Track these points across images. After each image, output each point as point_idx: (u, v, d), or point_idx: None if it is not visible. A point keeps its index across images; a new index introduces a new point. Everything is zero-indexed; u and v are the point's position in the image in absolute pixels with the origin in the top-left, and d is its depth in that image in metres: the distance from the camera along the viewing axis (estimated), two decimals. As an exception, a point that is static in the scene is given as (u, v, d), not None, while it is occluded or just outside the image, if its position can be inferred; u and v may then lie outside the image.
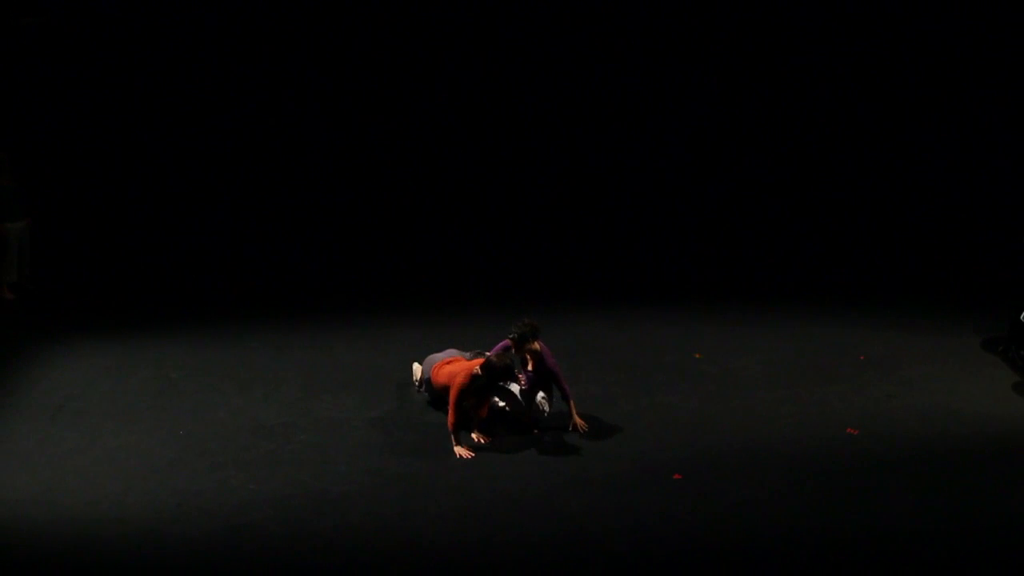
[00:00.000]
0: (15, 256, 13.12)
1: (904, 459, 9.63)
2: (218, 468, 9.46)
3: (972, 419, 10.34)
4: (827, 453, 9.73)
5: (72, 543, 8.44)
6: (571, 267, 14.25)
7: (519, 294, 13.31)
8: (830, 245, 14.83)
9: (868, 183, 15.56)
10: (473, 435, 9.86)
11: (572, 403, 10.04)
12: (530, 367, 9.97)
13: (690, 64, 15.55)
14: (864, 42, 15.37)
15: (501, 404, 10.07)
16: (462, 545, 8.45)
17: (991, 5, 15.15)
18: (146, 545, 8.41)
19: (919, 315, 12.73)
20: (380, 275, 14.07)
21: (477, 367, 9.64)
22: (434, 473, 9.42)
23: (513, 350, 9.89)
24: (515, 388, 9.99)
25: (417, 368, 10.65)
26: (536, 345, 9.89)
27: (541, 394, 9.97)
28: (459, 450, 9.64)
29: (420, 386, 10.52)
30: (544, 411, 9.99)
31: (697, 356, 11.65)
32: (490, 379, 9.64)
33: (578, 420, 10.01)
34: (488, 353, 9.90)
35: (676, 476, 9.34)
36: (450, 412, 9.61)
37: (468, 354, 10.24)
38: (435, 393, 10.17)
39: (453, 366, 9.92)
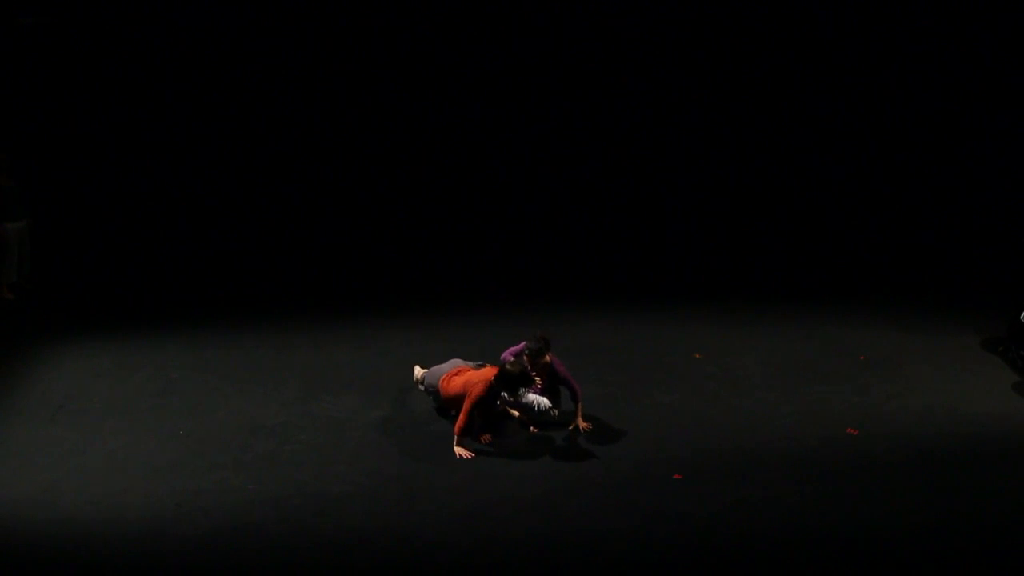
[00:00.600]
0: (15, 256, 13.11)
1: (904, 459, 9.64)
2: (218, 468, 9.46)
3: (972, 419, 10.34)
4: (827, 453, 9.73)
5: (72, 543, 8.44)
6: (571, 267, 14.24)
7: (519, 294, 13.31)
8: (830, 245, 14.82)
9: (868, 183, 15.56)
10: (456, 451, 9.79)
11: (580, 404, 10.05)
12: (539, 383, 10.02)
13: (690, 64, 15.55)
14: (865, 42, 15.37)
15: (515, 414, 10.10)
16: (462, 545, 8.46)
17: (991, 5, 15.15)
18: (146, 545, 8.41)
19: (919, 315, 12.73)
20: (381, 276, 14.07)
21: (493, 377, 9.67)
22: (434, 473, 9.42)
23: (529, 365, 9.92)
24: (525, 395, 10.00)
25: (418, 370, 10.65)
26: (547, 357, 9.93)
27: (547, 402, 9.99)
28: (459, 450, 9.64)
29: (421, 384, 10.52)
30: (553, 416, 10.00)
31: (697, 356, 11.65)
32: (508, 387, 9.69)
33: (581, 422, 10.02)
34: (503, 358, 9.98)
35: (676, 476, 9.35)
36: (462, 417, 9.62)
37: (473, 364, 10.23)
38: (444, 403, 10.14)
39: (466, 376, 9.91)
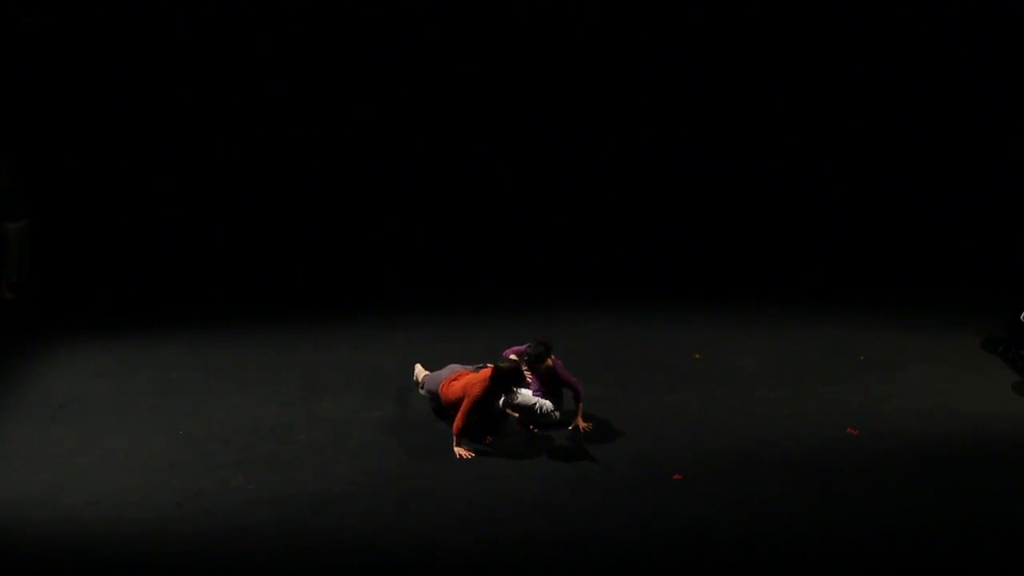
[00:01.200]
0: (15, 256, 13.11)
1: (904, 459, 9.64)
2: (218, 468, 9.47)
3: (972, 419, 10.34)
4: (827, 453, 9.73)
5: (72, 543, 8.45)
6: (571, 267, 14.24)
7: (520, 294, 13.32)
8: (830, 245, 14.82)
9: (868, 183, 15.55)
10: (456, 451, 9.80)
11: (581, 404, 10.05)
12: (531, 380, 10.03)
13: (690, 63, 15.54)
14: (866, 41, 15.36)
15: (515, 415, 10.11)
16: (462, 545, 8.46)
17: (992, 5, 15.14)
18: (146, 545, 8.41)
19: (919, 315, 12.73)
20: (381, 275, 14.07)
21: (489, 376, 9.70)
22: (434, 473, 9.42)
23: (527, 369, 9.96)
24: (527, 397, 10.01)
25: (419, 370, 10.65)
26: (548, 361, 9.93)
27: (549, 404, 9.99)
28: (459, 450, 9.65)
29: (421, 387, 10.52)
30: (554, 418, 10.01)
31: (697, 356, 11.65)
32: (503, 385, 9.70)
33: (582, 422, 10.02)
34: (504, 356, 10.00)
35: (676, 476, 9.35)
36: (459, 417, 9.62)
37: (471, 367, 10.23)
38: (445, 408, 10.12)
39: (465, 379, 9.91)
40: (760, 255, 14.60)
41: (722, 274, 14.07)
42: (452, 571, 8.22)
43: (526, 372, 9.95)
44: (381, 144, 15.63)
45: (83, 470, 9.42)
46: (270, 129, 15.47)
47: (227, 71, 15.19)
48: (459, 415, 9.63)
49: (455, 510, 8.88)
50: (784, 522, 8.73)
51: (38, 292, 13.33)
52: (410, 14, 15.31)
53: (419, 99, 15.57)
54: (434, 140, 15.66)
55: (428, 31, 15.36)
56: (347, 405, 10.60)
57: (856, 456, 9.67)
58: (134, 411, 10.47)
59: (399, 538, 8.53)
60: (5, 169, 13.06)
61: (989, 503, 8.96)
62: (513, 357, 9.90)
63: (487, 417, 9.97)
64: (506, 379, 9.67)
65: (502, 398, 9.99)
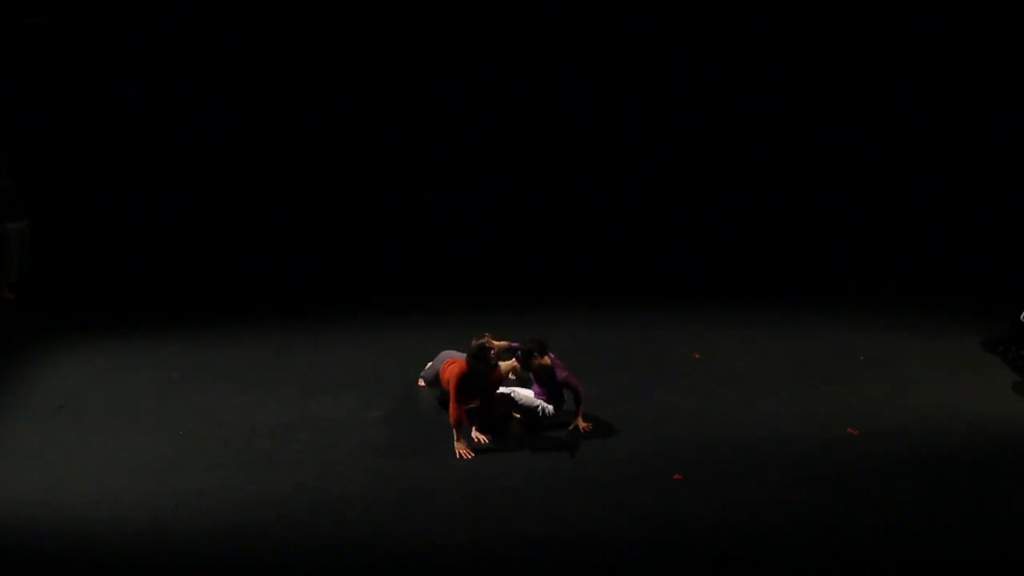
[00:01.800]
0: (15, 256, 13.12)
1: (904, 459, 9.63)
2: (218, 468, 9.46)
3: (972, 419, 10.34)
4: (827, 453, 9.73)
5: (72, 543, 8.44)
6: (572, 267, 14.25)
7: (520, 294, 13.32)
8: (830, 245, 14.83)
9: (868, 183, 15.56)
10: (473, 434, 9.87)
11: (581, 405, 10.05)
12: (536, 388, 10.03)
13: (690, 63, 15.55)
14: (866, 41, 15.36)
15: (517, 417, 10.12)
16: (462, 545, 8.45)
17: (993, 5, 15.14)
18: (146, 545, 8.41)
19: (919, 315, 12.73)
20: (380, 275, 14.07)
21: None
22: (434, 473, 9.42)
23: (518, 365, 10.03)
24: (529, 399, 10.02)
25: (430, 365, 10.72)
26: (546, 359, 9.93)
27: (551, 408, 9.99)
28: (459, 448, 9.65)
29: (422, 380, 10.54)
30: (556, 420, 10.02)
31: (697, 356, 11.65)
32: (476, 364, 9.63)
33: (582, 422, 10.02)
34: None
35: (676, 476, 9.35)
36: (451, 406, 9.63)
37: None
38: (444, 395, 10.18)
39: (453, 365, 9.96)
40: (760, 255, 14.60)
41: (722, 274, 14.07)
42: (452, 571, 8.21)
43: (515, 366, 10.02)
44: (381, 144, 15.64)
45: (83, 470, 9.42)
46: (270, 129, 15.48)
47: (227, 71, 15.19)
48: (450, 406, 9.64)
49: (455, 510, 8.88)
50: (784, 522, 8.73)
51: (38, 292, 13.33)
52: (408, 14, 15.31)
53: (419, 100, 15.58)
54: (435, 140, 15.66)
55: (426, 29, 15.36)
56: (347, 405, 10.60)
57: (856, 456, 9.67)
58: (134, 411, 10.47)
59: (399, 538, 8.52)
60: (5, 169, 13.06)
61: (989, 503, 8.96)
62: (487, 337, 9.86)
63: (488, 418, 9.97)
64: (475, 358, 9.59)
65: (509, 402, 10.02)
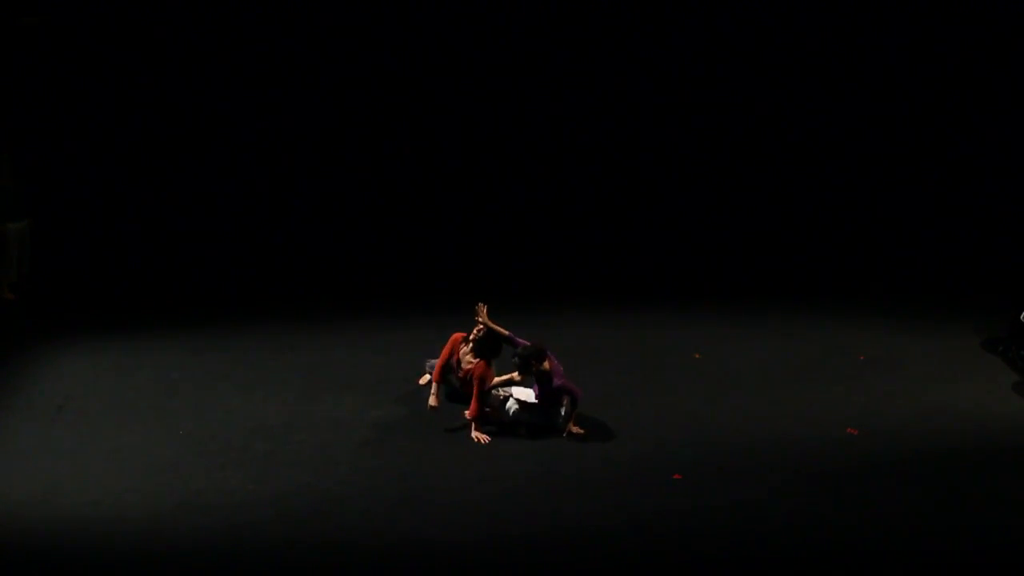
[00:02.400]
0: (15, 256, 13.12)
1: (904, 459, 9.64)
2: (218, 468, 9.46)
3: (972, 419, 10.34)
4: (827, 453, 9.73)
5: (72, 543, 8.44)
6: (572, 267, 14.24)
7: (520, 294, 13.30)
8: (831, 245, 14.82)
9: (868, 183, 15.55)
10: (473, 434, 9.88)
11: (575, 411, 10.03)
12: (536, 392, 10.06)
13: (690, 63, 15.53)
14: (866, 41, 15.35)
15: (524, 419, 10.14)
16: (461, 545, 8.46)
17: (993, 5, 15.13)
18: (146, 545, 8.41)
19: (919, 315, 12.73)
20: (380, 275, 14.07)
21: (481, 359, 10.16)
22: (434, 473, 9.42)
23: (515, 370, 10.17)
24: (530, 398, 10.06)
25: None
26: (546, 365, 9.92)
27: (546, 408, 10.02)
28: (476, 435, 9.86)
29: (429, 369, 10.76)
30: (557, 422, 10.03)
31: (697, 356, 11.65)
32: (486, 353, 10.14)
33: (574, 427, 9.99)
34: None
35: (676, 476, 9.35)
36: (474, 403, 9.94)
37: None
38: (460, 380, 10.45)
39: (471, 366, 10.33)
40: (761, 255, 14.59)
41: (723, 274, 14.07)
42: (452, 571, 8.22)
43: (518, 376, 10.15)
44: (381, 145, 15.62)
45: (83, 470, 9.42)
46: (270, 130, 15.46)
47: (228, 71, 15.18)
48: (473, 400, 9.91)
49: (455, 510, 8.88)
50: (784, 522, 8.73)
51: (38, 292, 13.33)
52: (407, 15, 15.30)
53: (419, 100, 15.56)
54: (435, 141, 15.65)
55: (425, 29, 15.35)
56: (346, 405, 10.61)
57: (856, 456, 9.67)
58: (134, 411, 10.47)
59: (399, 538, 8.52)
60: (5, 169, 13.06)
61: (989, 503, 8.96)
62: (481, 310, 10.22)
63: (486, 413, 10.03)
64: (484, 346, 10.11)
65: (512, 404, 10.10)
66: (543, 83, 15.53)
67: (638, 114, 15.65)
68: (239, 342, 12.04)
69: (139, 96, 15.13)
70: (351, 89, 15.45)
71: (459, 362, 10.45)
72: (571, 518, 8.77)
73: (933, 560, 8.31)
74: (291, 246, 14.75)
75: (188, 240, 14.81)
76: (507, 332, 10.17)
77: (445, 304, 13.07)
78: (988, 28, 15.09)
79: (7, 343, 11.95)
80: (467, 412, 10.05)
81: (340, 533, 8.59)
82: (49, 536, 8.53)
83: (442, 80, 15.50)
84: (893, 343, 11.94)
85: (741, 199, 15.57)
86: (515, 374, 10.16)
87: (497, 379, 10.20)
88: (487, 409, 10.05)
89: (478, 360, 10.13)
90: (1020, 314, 11.37)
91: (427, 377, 10.83)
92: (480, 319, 10.23)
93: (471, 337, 10.34)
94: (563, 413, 9.99)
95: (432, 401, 10.21)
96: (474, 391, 9.95)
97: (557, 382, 9.92)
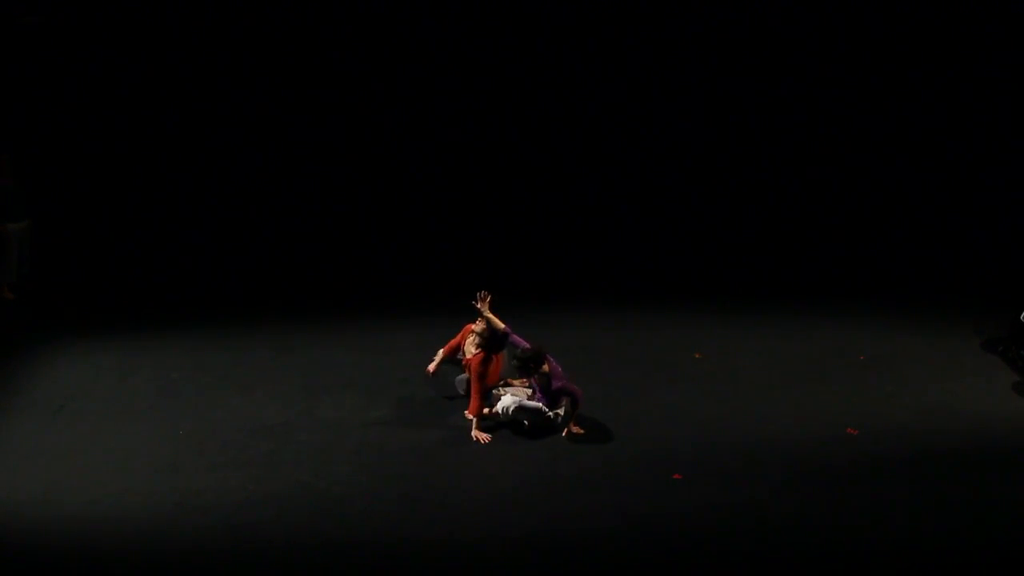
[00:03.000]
0: (15, 256, 13.11)
1: (904, 459, 9.63)
2: (218, 468, 9.47)
3: (972, 419, 10.34)
4: (827, 453, 9.73)
5: (72, 543, 8.45)
6: (571, 267, 14.24)
7: (520, 294, 13.28)
8: (831, 245, 14.82)
9: (868, 183, 15.56)
10: (474, 435, 9.89)
11: (576, 411, 10.04)
12: (536, 394, 10.06)
13: (690, 63, 15.55)
14: (867, 41, 15.36)
15: (524, 418, 10.14)
16: (461, 545, 8.46)
17: (994, 5, 15.14)
18: (146, 545, 8.41)
19: (919, 315, 12.72)
20: (380, 276, 14.07)
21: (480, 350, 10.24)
22: (433, 473, 9.42)
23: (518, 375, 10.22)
24: (529, 398, 10.06)
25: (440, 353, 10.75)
26: (545, 367, 9.92)
27: (555, 412, 10.02)
28: (477, 434, 9.86)
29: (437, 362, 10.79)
30: (557, 422, 10.04)
31: (697, 356, 11.65)
32: (491, 349, 10.17)
33: (574, 427, 10.00)
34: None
35: (676, 476, 9.35)
36: (474, 399, 9.99)
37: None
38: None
39: (469, 356, 10.44)
40: (761, 255, 14.59)
41: (722, 274, 14.07)
42: (453, 571, 8.22)
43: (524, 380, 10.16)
44: (381, 145, 15.64)
45: (83, 470, 9.42)
46: (270, 130, 15.49)
47: (227, 71, 15.20)
48: (472, 397, 9.94)
49: (455, 510, 8.88)
50: (784, 522, 8.73)
51: (38, 292, 13.32)
52: (408, 16, 15.32)
53: (419, 100, 15.58)
54: (435, 141, 15.67)
55: (425, 29, 15.37)
56: (346, 405, 10.61)
57: (856, 456, 9.67)
58: (134, 411, 10.47)
59: (399, 538, 8.52)
60: (5, 169, 13.06)
61: (989, 503, 8.96)
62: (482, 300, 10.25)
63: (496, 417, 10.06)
64: (491, 343, 10.15)
65: (505, 400, 10.07)
66: (543, 83, 15.55)
67: (638, 114, 15.67)
68: (239, 342, 12.04)
69: (139, 96, 15.15)
70: (351, 89, 15.47)
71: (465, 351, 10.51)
72: (571, 518, 8.77)
73: (933, 560, 8.31)
74: (291, 246, 14.75)
75: (188, 240, 14.81)
76: (504, 326, 10.15)
77: (445, 304, 13.07)
78: (988, 28, 15.11)
79: (7, 343, 11.95)
80: (467, 412, 10.07)
81: (340, 533, 8.59)
82: (49, 536, 8.53)
83: (442, 80, 15.53)
84: (893, 343, 11.93)
85: (741, 199, 15.59)
86: (523, 380, 10.20)
87: (505, 388, 10.24)
88: (487, 410, 10.06)
89: (477, 352, 10.13)
90: (1020, 314, 11.37)
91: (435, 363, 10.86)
92: (480, 307, 10.19)
93: (474, 328, 10.34)
94: (563, 413, 10.00)
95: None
96: (473, 387, 9.94)
97: (557, 384, 9.92)
